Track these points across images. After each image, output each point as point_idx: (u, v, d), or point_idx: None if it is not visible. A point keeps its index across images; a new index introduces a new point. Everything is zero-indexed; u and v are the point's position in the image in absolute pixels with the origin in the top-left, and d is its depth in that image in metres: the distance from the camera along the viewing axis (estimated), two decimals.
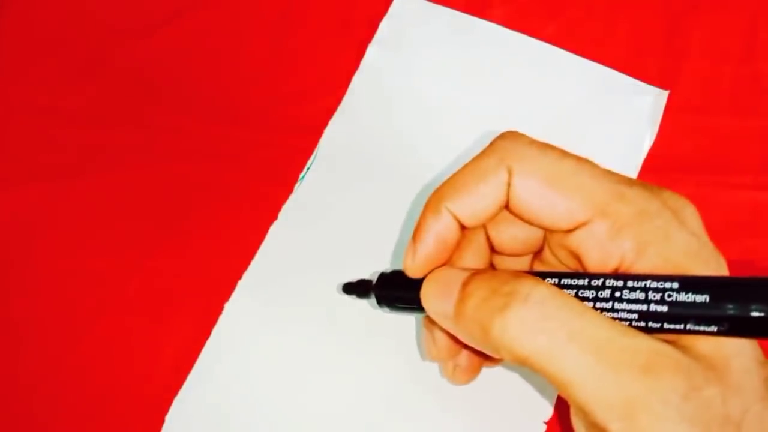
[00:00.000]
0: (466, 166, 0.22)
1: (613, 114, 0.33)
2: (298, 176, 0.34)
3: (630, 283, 0.18)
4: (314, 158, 0.34)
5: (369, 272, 0.31)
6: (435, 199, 0.22)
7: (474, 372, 0.26)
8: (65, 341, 0.32)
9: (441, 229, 0.22)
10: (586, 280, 0.19)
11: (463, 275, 0.21)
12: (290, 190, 0.33)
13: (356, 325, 0.31)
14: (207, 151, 0.35)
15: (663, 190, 0.20)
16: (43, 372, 0.31)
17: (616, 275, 0.19)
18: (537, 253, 0.24)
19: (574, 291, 0.19)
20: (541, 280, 0.19)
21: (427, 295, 0.22)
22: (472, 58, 0.35)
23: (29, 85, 0.37)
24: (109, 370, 0.31)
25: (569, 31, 0.35)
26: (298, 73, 0.36)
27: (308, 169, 0.34)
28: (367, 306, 0.30)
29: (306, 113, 0.35)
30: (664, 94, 0.33)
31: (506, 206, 0.21)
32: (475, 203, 0.21)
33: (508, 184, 0.21)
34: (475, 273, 0.21)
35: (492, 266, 0.25)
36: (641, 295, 0.18)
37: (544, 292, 0.18)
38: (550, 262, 0.23)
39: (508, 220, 0.22)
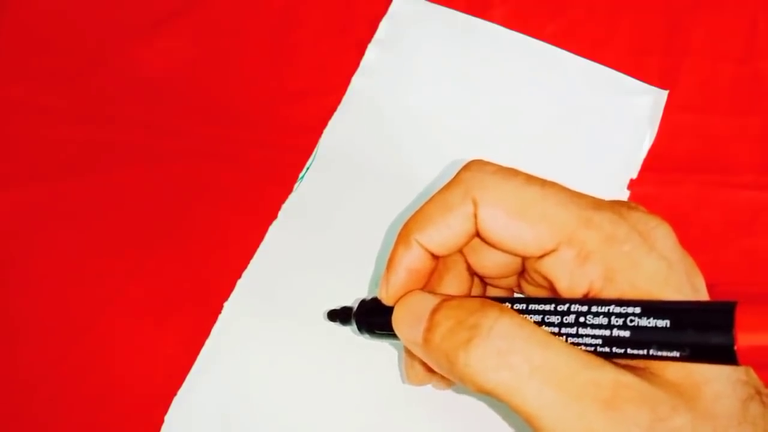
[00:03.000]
0: (432, 198, 0.22)
1: (613, 114, 0.33)
2: (297, 176, 0.34)
3: (594, 308, 0.18)
4: (314, 158, 0.34)
5: (368, 273, 0.32)
6: (404, 231, 0.22)
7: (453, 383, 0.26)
8: (65, 341, 0.32)
9: (411, 260, 0.22)
10: (552, 306, 0.19)
11: (433, 302, 0.21)
12: (290, 190, 0.33)
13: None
14: (207, 151, 0.35)
15: (634, 211, 0.20)
16: (43, 372, 0.31)
17: (581, 300, 0.19)
18: (521, 273, 0.24)
19: (541, 316, 0.19)
20: (506, 308, 0.19)
21: (397, 320, 0.22)
22: (472, 58, 0.35)
23: (29, 85, 0.37)
24: (109, 370, 0.31)
25: (569, 31, 0.35)
26: (298, 73, 0.36)
27: (308, 169, 0.34)
28: None
29: (306, 113, 0.35)
30: (663, 94, 0.33)
31: (477, 235, 0.21)
32: (442, 235, 0.21)
33: (475, 215, 0.21)
34: (444, 300, 0.21)
35: (483, 285, 0.25)
36: (604, 320, 0.18)
37: (507, 324, 0.18)
38: (531, 282, 0.23)
39: (485, 247, 0.22)
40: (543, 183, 0.20)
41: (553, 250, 0.20)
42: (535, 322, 0.19)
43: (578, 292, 0.19)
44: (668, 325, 0.17)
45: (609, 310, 0.18)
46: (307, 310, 0.31)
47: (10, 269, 0.33)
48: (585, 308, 0.18)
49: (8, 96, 0.37)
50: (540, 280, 0.21)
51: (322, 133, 0.34)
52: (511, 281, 0.24)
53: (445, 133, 0.34)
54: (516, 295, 0.25)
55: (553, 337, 0.18)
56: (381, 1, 0.36)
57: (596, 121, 0.33)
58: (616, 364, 0.18)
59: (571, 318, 0.18)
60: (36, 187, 0.35)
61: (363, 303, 0.25)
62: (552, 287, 0.21)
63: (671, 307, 0.17)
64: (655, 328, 0.17)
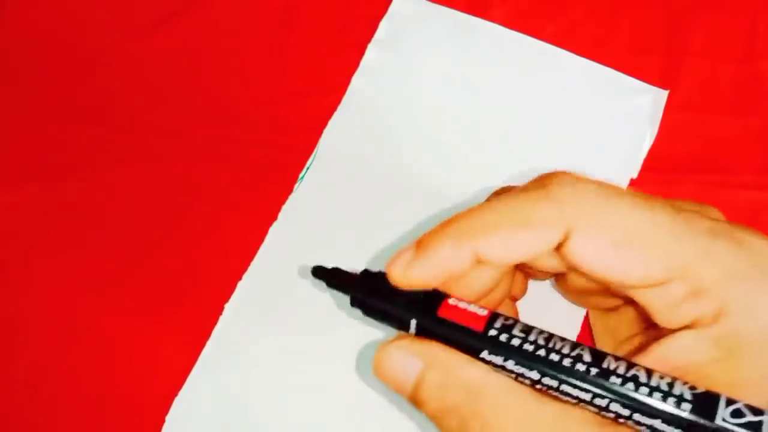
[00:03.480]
0: (508, 204, 0.19)
1: (613, 114, 0.33)
2: (298, 176, 0.34)
3: (637, 417, 0.17)
4: (314, 158, 0.34)
5: None
6: (460, 231, 0.19)
7: None
8: (65, 341, 0.32)
9: (454, 264, 0.19)
10: (588, 393, 0.17)
11: (415, 369, 0.19)
12: (290, 190, 0.33)
13: (356, 325, 0.31)
14: (207, 151, 0.35)
15: (753, 239, 0.18)
16: (43, 372, 0.31)
17: (625, 401, 0.17)
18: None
19: (576, 401, 0.17)
20: (507, 393, 0.18)
21: (379, 375, 0.20)
22: (472, 57, 0.35)
23: (29, 85, 0.37)
24: (110, 370, 0.31)
25: (569, 31, 0.35)
26: (298, 73, 0.36)
27: (308, 169, 0.34)
28: None
29: (306, 113, 0.35)
30: (664, 94, 0.33)
31: (558, 250, 0.19)
32: (509, 251, 0.18)
33: (564, 238, 0.18)
34: (427, 370, 0.18)
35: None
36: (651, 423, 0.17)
37: (500, 425, 0.17)
38: (580, 283, 0.21)
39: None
40: (651, 205, 0.18)
41: (660, 284, 0.18)
42: (566, 400, 0.18)
43: (679, 324, 0.18)
44: None
45: (654, 425, 0.16)
46: (307, 311, 0.31)
47: (10, 269, 0.33)
48: (627, 413, 0.17)
49: (8, 96, 0.37)
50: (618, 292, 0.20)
51: (322, 133, 0.34)
52: (548, 275, 0.23)
53: (445, 133, 0.34)
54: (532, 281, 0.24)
55: (550, 428, 0.17)
56: (381, 1, 0.36)
57: (596, 121, 0.33)
58: None
59: (610, 415, 0.17)
60: (36, 187, 0.35)
61: (366, 275, 0.22)
62: (607, 288, 0.19)
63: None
64: None
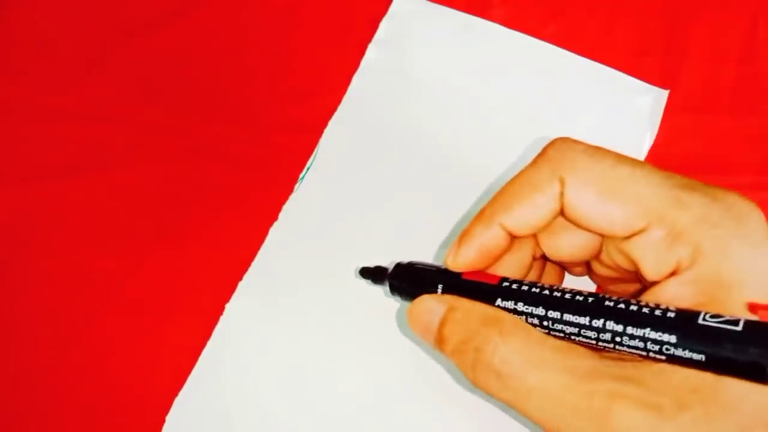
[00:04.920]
0: (517, 177, 0.22)
1: (613, 114, 0.33)
2: (298, 176, 0.34)
3: (630, 330, 0.18)
4: (314, 158, 0.34)
5: None
6: (487, 211, 0.22)
7: None
8: (65, 341, 0.32)
9: (488, 240, 0.22)
10: (587, 319, 0.19)
11: (440, 312, 0.22)
12: (290, 190, 0.33)
13: (357, 325, 0.31)
14: (207, 151, 0.35)
15: (728, 194, 0.20)
16: (43, 372, 0.31)
17: (618, 317, 0.19)
18: (596, 256, 0.24)
19: (577, 329, 0.20)
20: (509, 328, 0.20)
21: (412, 326, 0.23)
22: (472, 57, 0.35)
23: (29, 85, 0.37)
24: (110, 370, 0.31)
25: (570, 31, 0.35)
26: (298, 73, 0.36)
27: (308, 169, 0.34)
28: (367, 307, 0.30)
29: (306, 113, 0.35)
30: (664, 94, 0.33)
31: (561, 214, 0.22)
32: (526, 215, 0.21)
33: (562, 194, 0.21)
34: (449, 311, 0.22)
35: (542, 268, 0.26)
36: (640, 344, 0.18)
37: (507, 349, 0.20)
38: (608, 264, 0.23)
39: (562, 229, 0.23)
40: (633, 163, 0.20)
41: (641, 230, 0.20)
42: (569, 333, 0.20)
43: (664, 272, 0.19)
44: (703, 360, 0.17)
45: (645, 334, 0.18)
46: (308, 311, 0.31)
47: (9, 269, 0.33)
48: (620, 328, 0.19)
49: (8, 96, 0.37)
50: (621, 261, 0.21)
51: (322, 133, 0.34)
52: (581, 269, 0.25)
53: (444, 133, 0.34)
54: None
55: (554, 353, 0.19)
56: (381, 1, 0.36)
57: (596, 121, 0.33)
58: (618, 374, 0.18)
59: (607, 336, 0.19)
60: (36, 187, 0.35)
61: (398, 266, 0.26)
62: (625, 271, 0.21)
63: (708, 339, 0.17)
64: (691, 360, 0.17)
